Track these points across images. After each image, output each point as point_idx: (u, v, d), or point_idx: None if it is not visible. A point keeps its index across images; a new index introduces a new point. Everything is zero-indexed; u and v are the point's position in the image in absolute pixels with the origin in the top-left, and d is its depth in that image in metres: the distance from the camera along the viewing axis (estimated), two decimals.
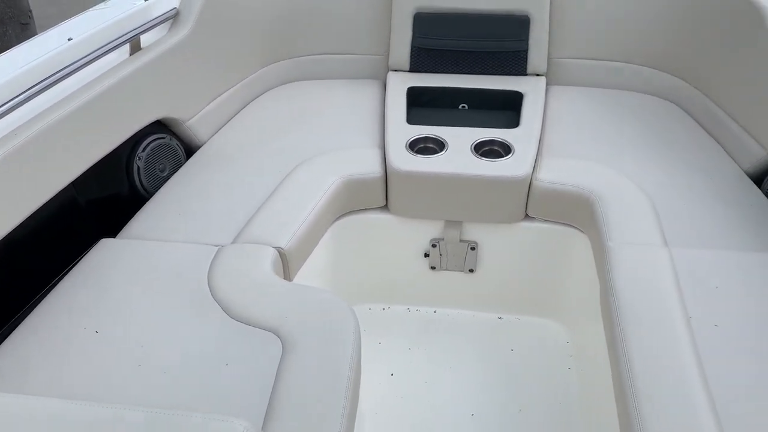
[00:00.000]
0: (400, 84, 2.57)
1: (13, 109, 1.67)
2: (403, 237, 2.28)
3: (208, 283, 1.68)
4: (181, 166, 2.27)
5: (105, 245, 1.86)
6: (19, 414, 0.83)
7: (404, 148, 2.19)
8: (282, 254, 1.83)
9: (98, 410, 0.82)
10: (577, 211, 2.06)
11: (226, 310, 1.60)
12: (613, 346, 1.53)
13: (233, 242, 1.85)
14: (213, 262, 1.76)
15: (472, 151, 2.17)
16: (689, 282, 1.66)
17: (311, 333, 1.50)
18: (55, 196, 1.79)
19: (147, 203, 2.05)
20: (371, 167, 2.15)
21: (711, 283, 1.66)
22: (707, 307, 1.58)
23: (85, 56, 1.89)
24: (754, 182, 2.08)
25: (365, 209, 2.24)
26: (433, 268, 2.34)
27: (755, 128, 2.12)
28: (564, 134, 2.32)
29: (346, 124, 2.42)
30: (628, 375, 1.41)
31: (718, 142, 2.29)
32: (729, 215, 1.91)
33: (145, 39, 2.17)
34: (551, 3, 2.59)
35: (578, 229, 2.12)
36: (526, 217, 2.19)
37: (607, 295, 1.66)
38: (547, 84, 2.65)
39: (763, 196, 2.01)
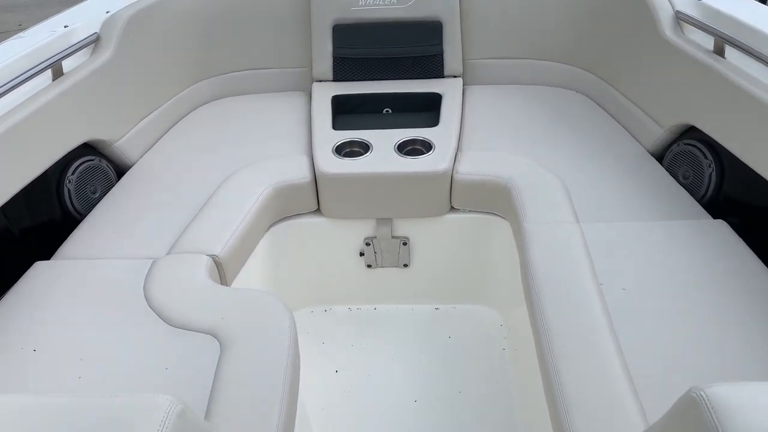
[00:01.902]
0: (324, 93, 2.67)
1: None
2: (337, 238, 2.36)
3: (144, 294, 1.73)
4: (112, 186, 2.29)
5: (39, 268, 1.87)
6: None
7: (331, 153, 2.28)
8: (217, 262, 1.89)
9: (23, 400, 0.87)
10: (497, 199, 2.19)
11: (164, 318, 1.64)
12: (534, 318, 1.65)
13: (168, 253, 1.90)
14: (148, 274, 1.81)
15: (395, 151, 2.28)
16: (599, 253, 1.80)
17: (248, 331, 1.56)
18: None
19: (80, 224, 2.07)
20: (300, 173, 2.23)
21: (618, 253, 1.80)
22: (615, 274, 1.72)
23: (7, 83, 1.91)
24: (656, 159, 2.26)
25: (298, 214, 2.31)
26: (369, 266, 2.42)
27: (653, 110, 2.30)
28: (481, 129, 2.45)
29: (274, 135, 2.50)
30: (547, 342, 1.53)
31: (623, 126, 2.46)
32: (633, 190, 2.07)
33: (66, 64, 2.19)
34: (461, 8, 2.74)
35: (500, 216, 2.25)
36: (452, 209, 2.30)
37: (526, 271, 1.78)
38: (464, 84, 2.79)
39: (664, 170, 2.18)
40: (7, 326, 1.64)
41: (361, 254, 2.41)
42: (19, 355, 1.55)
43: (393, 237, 2.35)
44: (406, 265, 2.42)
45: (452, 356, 2.29)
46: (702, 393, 0.84)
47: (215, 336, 1.56)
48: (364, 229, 2.36)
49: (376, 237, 2.35)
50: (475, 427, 2.04)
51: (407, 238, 2.36)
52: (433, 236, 2.35)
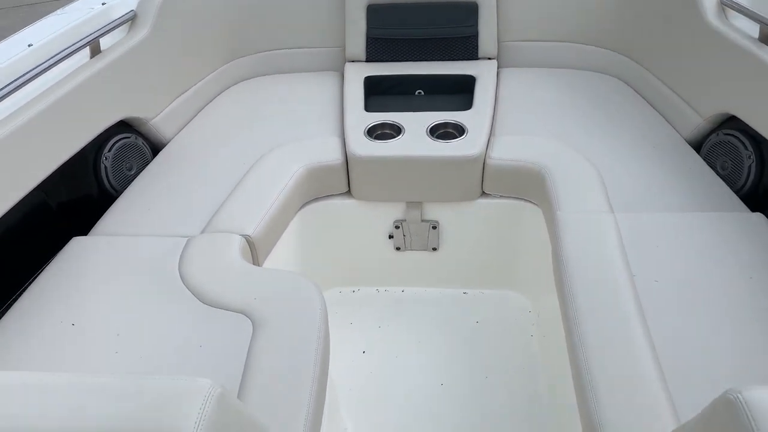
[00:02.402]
0: (357, 74, 2.66)
1: None
2: (367, 220, 2.37)
3: (179, 272, 1.76)
4: (147, 164, 2.33)
5: (77, 243, 1.92)
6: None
7: (363, 135, 2.28)
8: (250, 242, 1.91)
9: (66, 378, 0.90)
10: (529, 185, 2.17)
11: (198, 296, 1.67)
12: (565, 307, 1.64)
13: (202, 232, 1.93)
14: (183, 253, 1.84)
15: (427, 134, 2.27)
16: (632, 243, 1.78)
17: (280, 311, 1.58)
18: (24, 199, 1.85)
19: (116, 201, 2.11)
20: (332, 155, 2.24)
21: (652, 243, 1.78)
22: (648, 265, 1.70)
23: (46, 61, 1.93)
24: (694, 148, 2.21)
25: (329, 196, 2.32)
26: (398, 248, 2.43)
27: (692, 98, 2.25)
28: (515, 113, 2.43)
29: (306, 116, 2.50)
30: (578, 332, 1.52)
31: (661, 114, 2.41)
32: (669, 180, 2.04)
33: (104, 42, 2.22)
34: None
35: (532, 202, 2.23)
36: (483, 194, 2.29)
37: (558, 260, 1.77)
38: (498, 67, 2.75)
39: (702, 160, 2.14)
40: (47, 300, 1.69)
41: (390, 237, 2.41)
42: (58, 328, 1.60)
43: (423, 220, 2.35)
44: (435, 249, 2.42)
45: (479, 341, 2.29)
46: (739, 395, 0.83)
47: (248, 315, 1.59)
48: (393, 211, 2.36)
49: (405, 220, 2.36)
50: (500, 413, 2.05)
51: (437, 222, 2.36)
52: (463, 221, 2.35)
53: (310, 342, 1.50)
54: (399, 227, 2.37)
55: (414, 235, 2.38)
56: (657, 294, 1.61)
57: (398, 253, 2.45)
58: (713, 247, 1.74)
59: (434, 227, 2.36)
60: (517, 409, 2.06)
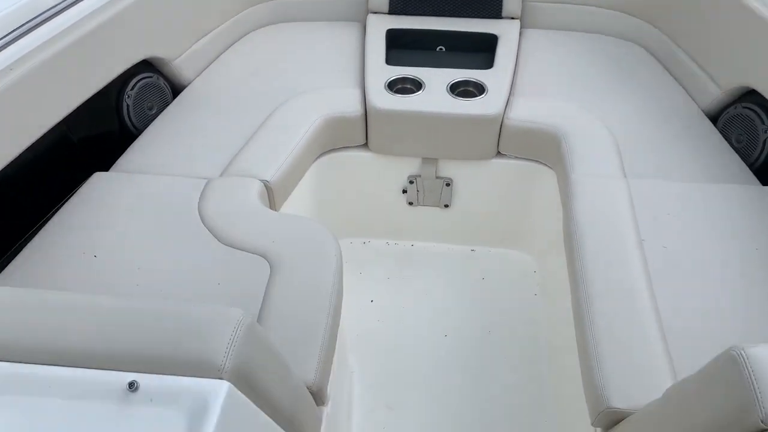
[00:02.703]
0: (379, 26, 2.65)
1: (3, 48, 1.74)
2: (382, 174, 2.40)
3: (199, 212, 1.80)
4: (168, 104, 2.35)
5: (99, 178, 1.96)
6: (30, 302, 0.95)
7: (383, 88, 2.29)
8: (268, 187, 1.95)
9: (105, 300, 0.95)
10: (545, 148, 2.20)
11: (217, 237, 1.72)
12: (572, 266, 1.69)
13: (221, 175, 1.96)
14: (203, 194, 1.88)
15: (447, 91, 2.28)
16: (643, 209, 1.81)
17: (297, 256, 1.63)
18: (48, 133, 1.88)
19: (137, 139, 2.14)
20: (352, 106, 2.26)
21: (663, 210, 1.81)
22: (658, 231, 1.74)
23: None
24: (711, 120, 2.23)
25: (346, 147, 2.35)
26: (410, 203, 2.47)
27: (713, 70, 2.25)
28: (535, 75, 2.43)
29: (327, 66, 2.51)
30: (584, 290, 1.57)
31: (680, 83, 2.42)
32: (684, 149, 2.06)
33: None
34: None
35: (546, 165, 2.26)
36: (498, 154, 2.32)
37: (569, 221, 1.81)
38: (521, 27, 2.74)
39: (717, 132, 2.15)
40: (69, 231, 1.73)
41: (404, 191, 2.45)
42: (81, 259, 1.65)
43: (437, 177, 2.38)
44: (447, 206, 2.46)
45: (484, 296, 2.35)
46: (742, 352, 0.88)
47: (266, 257, 1.64)
48: (409, 166, 2.39)
49: (420, 176, 2.39)
50: (501, 366, 2.12)
51: (451, 179, 2.39)
52: (476, 179, 2.38)
53: (325, 287, 1.55)
54: (413, 182, 2.40)
55: (427, 191, 2.42)
56: (664, 259, 1.66)
57: (410, 208, 2.49)
58: (722, 218, 1.78)
59: (448, 184, 2.39)
60: (518, 365, 2.13)
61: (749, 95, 2.13)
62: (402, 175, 2.41)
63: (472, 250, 2.54)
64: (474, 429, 1.97)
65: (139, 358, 0.88)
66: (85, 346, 0.90)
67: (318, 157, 2.30)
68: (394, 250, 2.56)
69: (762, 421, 0.82)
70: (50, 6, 1.90)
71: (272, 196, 1.97)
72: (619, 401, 1.34)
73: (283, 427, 1.12)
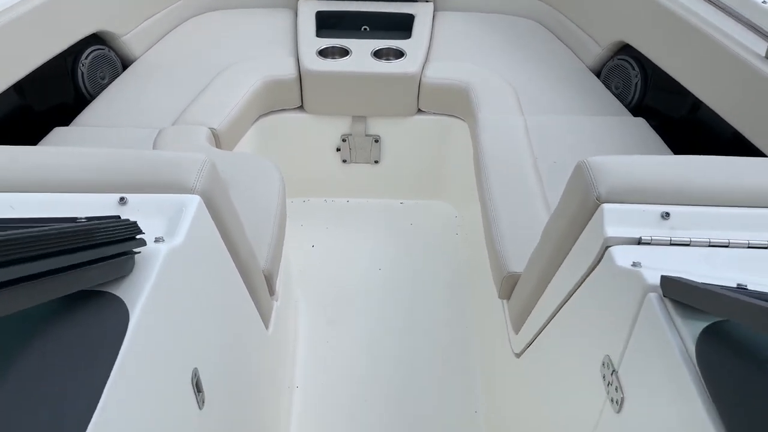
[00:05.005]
0: (309, 10, 2.96)
1: None
2: (317, 133, 2.69)
3: None
4: (119, 75, 2.57)
5: (58, 132, 2.16)
6: (36, 152, 1.18)
7: (314, 55, 2.59)
8: (215, 133, 2.20)
9: (102, 149, 1.19)
10: (458, 102, 2.53)
11: None
12: (479, 180, 2.01)
13: (172, 125, 2.20)
14: (155, 141, 2.11)
15: (371, 56, 2.60)
16: (537, 136, 2.16)
17: (246, 177, 1.89)
18: (5, 94, 2.06)
19: (94, 100, 2.36)
20: (287, 70, 2.54)
21: (552, 136, 2.17)
22: (548, 151, 2.09)
23: None
24: (595, 74, 2.63)
25: (284, 109, 2.63)
26: (344, 161, 2.76)
27: (593, 30, 2.66)
28: (447, 46, 2.79)
29: (264, 41, 2.79)
30: (488, 191, 1.89)
31: (568, 47, 2.82)
32: (572, 95, 2.44)
33: None
34: None
35: (460, 118, 2.60)
36: (419, 111, 2.64)
37: (476, 149, 2.14)
38: (435, 10, 3.11)
39: (600, 82, 2.55)
40: None
41: (338, 150, 2.74)
42: None
43: (366, 135, 2.69)
44: (376, 162, 2.76)
45: (413, 238, 2.65)
46: (586, 161, 1.20)
47: None
48: (341, 126, 2.68)
49: (351, 134, 2.68)
50: (429, 288, 2.42)
51: (379, 136, 2.70)
52: (401, 135, 2.70)
53: (271, 198, 1.81)
54: (345, 140, 2.70)
55: (359, 148, 2.71)
56: (553, 169, 2.00)
57: (344, 165, 2.78)
58: (602, 138, 2.14)
59: (376, 141, 2.70)
60: (443, 285, 2.43)
61: (624, 49, 2.54)
62: (335, 135, 2.70)
63: (401, 203, 2.85)
64: (403, 334, 2.25)
65: (126, 183, 1.13)
66: (82, 176, 1.14)
67: (259, 117, 2.56)
68: (332, 206, 2.83)
69: (597, 199, 1.13)
70: None
71: (219, 142, 2.22)
72: (515, 266, 1.64)
73: (240, 273, 1.38)
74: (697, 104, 2.17)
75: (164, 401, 0.95)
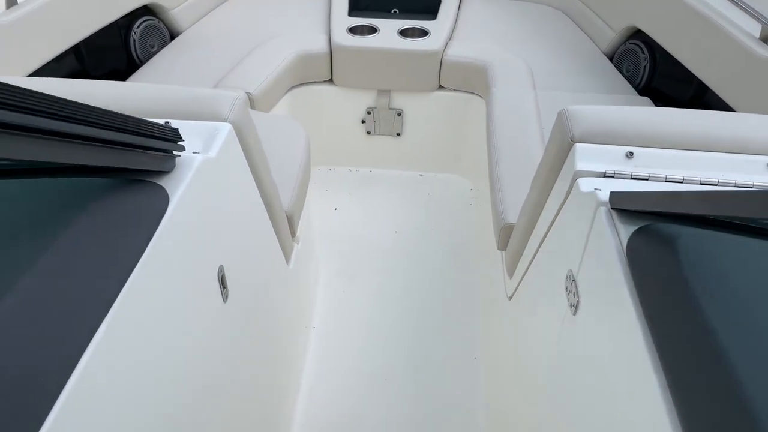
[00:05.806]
0: None
1: None
2: (344, 105, 2.90)
3: None
4: (166, 45, 2.82)
5: None
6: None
7: (345, 32, 2.80)
8: (251, 98, 2.42)
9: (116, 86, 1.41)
10: (476, 79, 2.71)
11: None
12: (489, 145, 2.19)
13: (213, 88, 2.43)
14: None
15: (398, 34, 2.80)
16: (546, 108, 2.33)
17: (274, 133, 2.10)
18: (63, 57, 2.30)
19: (143, 66, 2.60)
20: (319, 45, 2.76)
21: (560, 108, 2.32)
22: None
23: None
24: (608, 59, 2.77)
25: (314, 82, 2.84)
26: (368, 132, 2.96)
27: (607, 16, 2.81)
28: (470, 29, 2.96)
29: (299, 20, 3.01)
30: (495, 153, 2.07)
31: (586, 34, 2.97)
32: (585, 75, 2.59)
33: None
34: None
35: (478, 95, 2.77)
36: (440, 87, 2.83)
37: (489, 117, 2.32)
38: None
39: (612, 65, 2.69)
40: None
41: (363, 122, 2.94)
42: None
43: (390, 108, 2.88)
44: (399, 134, 2.95)
45: (429, 206, 2.84)
46: (565, 109, 1.37)
47: None
48: (366, 99, 2.88)
49: (376, 107, 2.88)
50: (440, 247, 2.60)
51: (401, 109, 2.89)
52: (422, 109, 2.88)
53: (298, 148, 2.02)
54: (370, 113, 2.90)
55: (382, 120, 2.91)
56: None
57: (368, 137, 2.98)
58: None
59: (399, 114, 2.89)
60: (451, 245, 2.61)
61: (636, 34, 2.68)
62: (361, 107, 2.90)
63: (420, 175, 3.03)
64: (413, 288, 2.44)
65: (170, 110, 1.34)
66: (134, 104, 1.35)
67: (291, 88, 2.78)
68: (355, 175, 3.04)
69: (571, 139, 1.30)
70: None
71: (254, 105, 2.44)
72: (512, 217, 1.82)
73: (263, 201, 1.58)
74: (702, 88, 2.31)
75: (191, 286, 1.15)
